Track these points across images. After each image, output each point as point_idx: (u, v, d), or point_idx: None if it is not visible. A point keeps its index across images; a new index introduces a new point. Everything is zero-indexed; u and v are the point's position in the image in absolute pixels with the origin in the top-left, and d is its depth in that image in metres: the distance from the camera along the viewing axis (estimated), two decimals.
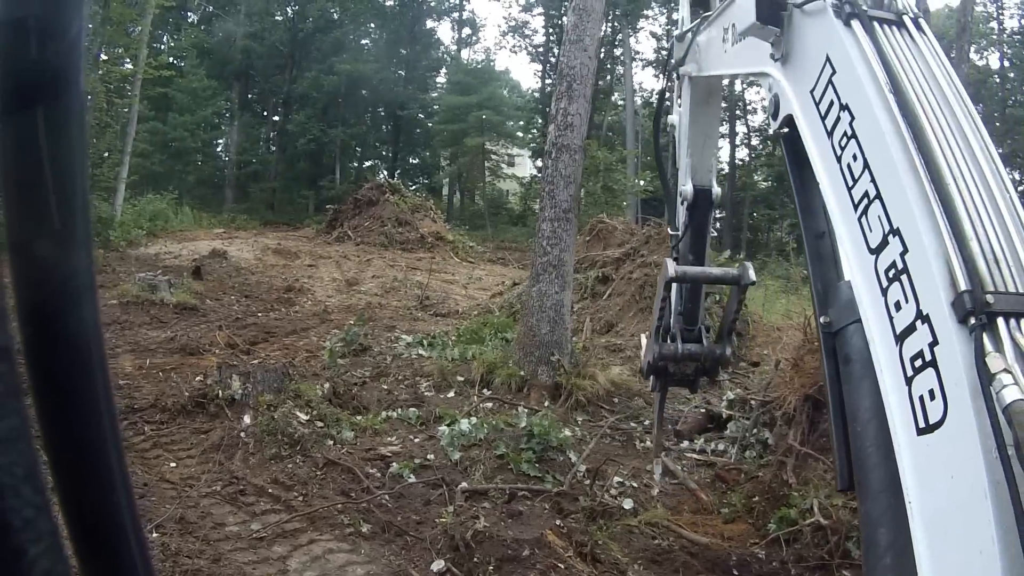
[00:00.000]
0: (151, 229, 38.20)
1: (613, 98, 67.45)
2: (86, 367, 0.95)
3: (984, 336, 2.32)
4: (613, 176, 44.96)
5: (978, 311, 2.35)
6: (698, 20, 5.64)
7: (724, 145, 66.09)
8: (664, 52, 64.39)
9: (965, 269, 2.44)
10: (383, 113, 72.55)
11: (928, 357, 2.50)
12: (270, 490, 9.39)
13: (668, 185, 7.23)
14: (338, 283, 28.15)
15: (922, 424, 2.49)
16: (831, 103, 3.20)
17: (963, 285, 2.41)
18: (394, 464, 10.34)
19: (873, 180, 2.88)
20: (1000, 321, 2.35)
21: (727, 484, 10.73)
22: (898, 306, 2.68)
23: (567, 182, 14.31)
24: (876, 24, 3.16)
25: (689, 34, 5.78)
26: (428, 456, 10.76)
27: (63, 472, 0.96)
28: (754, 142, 66.84)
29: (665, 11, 65.25)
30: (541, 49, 72.98)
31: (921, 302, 2.57)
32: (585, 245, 21.45)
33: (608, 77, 66.57)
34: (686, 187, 6.24)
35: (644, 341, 6.96)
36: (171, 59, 58.74)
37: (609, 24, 62.15)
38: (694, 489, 10.49)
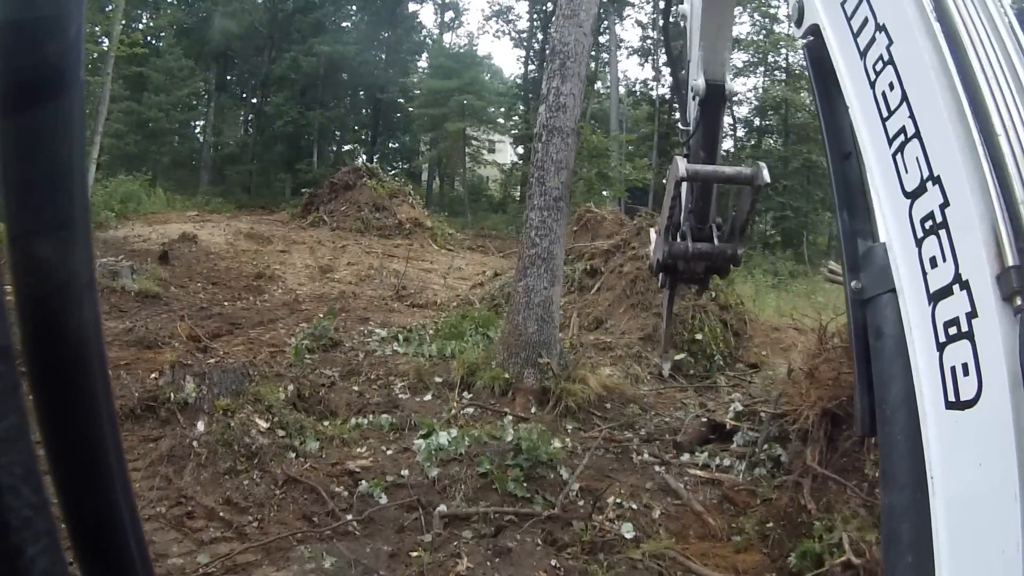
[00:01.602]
0: (122, 211, 37.22)
1: (596, 86, 66.68)
2: (85, 366, 0.97)
3: None
4: (607, 162, 44.01)
5: None
6: None
7: None
8: (650, 40, 64.51)
9: (1015, 240, 2.10)
10: (363, 96, 71.92)
11: (964, 328, 2.20)
12: (221, 513, 8.27)
13: (678, 79, 6.70)
14: (311, 270, 27.30)
15: (952, 398, 2.22)
16: (865, 20, 2.78)
17: (1011, 260, 2.08)
18: (363, 482, 9.20)
19: (912, 116, 2.51)
20: None
21: (736, 506, 9.69)
22: (934, 263, 2.37)
23: (558, 168, 13.27)
24: None
25: None
26: (402, 472, 9.61)
27: (62, 471, 0.97)
28: (739, 133, 66.37)
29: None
30: (525, 35, 72.48)
31: (961, 265, 2.24)
32: (572, 235, 20.43)
33: (593, 65, 65.82)
34: (698, 81, 5.74)
35: (653, 236, 6.52)
36: (148, 38, 58.24)
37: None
38: (700, 512, 9.37)
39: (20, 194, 0.93)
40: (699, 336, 16.06)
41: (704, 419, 12.25)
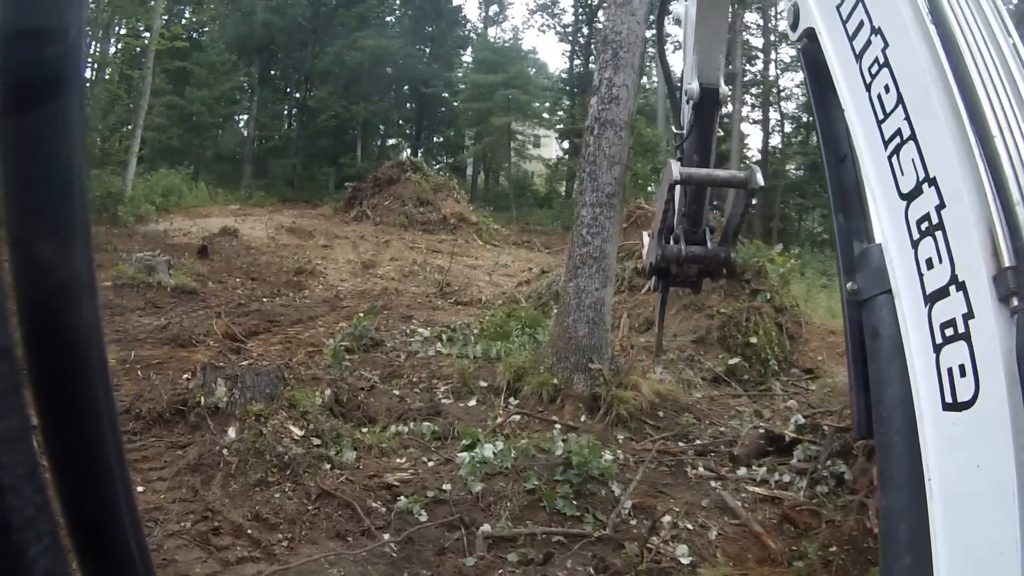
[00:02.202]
0: (163, 205, 37.42)
1: (643, 81, 66.18)
2: (86, 366, 0.97)
3: None
4: (656, 158, 43.39)
5: (1023, 293, 2.06)
6: None
7: (756, 132, 65.06)
8: None
9: (1011, 241, 2.12)
10: (407, 91, 71.48)
11: (961, 329, 2.22)
12: (249, 530, 7.69)
13: (672, 82, 7.07)
14: (353, 266, 26.90)
15: (949, 399, 2.24)
16: (860, 23, 2.85)
17: (1007, 261, 2.10)
18: (402, 497, 8.62)
19: (908, 118, 2.55)
20: None
21: (797, 527, 9.01)
22: (930, 264, 2.39)
23: (611, 163, 12.57)
24: None
25: None
26: (444, 487, 8.99)
27: (63, 471, 0.97)
28: (787, 129, 65.68)
29: None
30: (570, 29, 71.81)
31: (957, 267, 2.27)
32: (622, 233, 19.79)
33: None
34: (692, 85, 5.94)
35: (646, 240, 6.75)
36: (191, 33, 58.48)
37: None
38: (759, 533, 8.70)
39: (20, 194, 0.92)
40: (753, 340, 15.40)
41: (761, 430, 11.59)
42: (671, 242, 6.24)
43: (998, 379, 2.09)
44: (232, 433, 9.25)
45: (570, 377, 12.19)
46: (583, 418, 11.68)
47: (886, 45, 2.72)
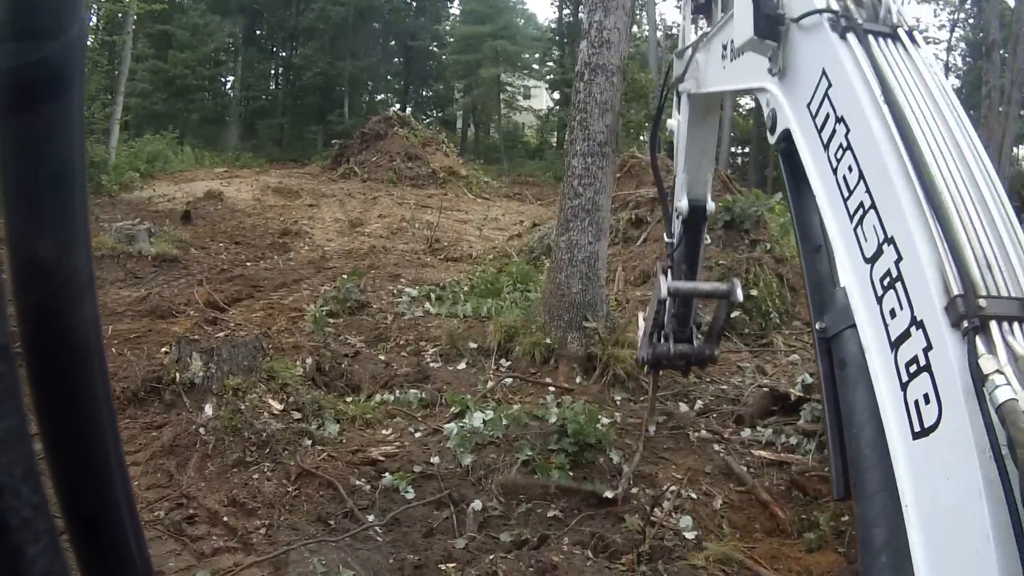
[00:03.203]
0: (148, 171, 37.05)
1: (633, 29, 65.69)
2: (84, 366, 0.97)
3: (977, 339, 2.38)
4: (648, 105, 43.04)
5: (971, 315, 2.42)
6: (697, 37, 5.82)
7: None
8: None
9: (958, 275, 2.51)
10: (394, 45, 71.23)
11: (923, 362, 2.56)
12: (225, 517, 7.25)
13: (664, 197, 7.62)
14: (340, 224, 26.55)
15: (917, 428, 2.54)
16: (827, 116, 3.28)
17: (956, 290, 2.48)
18: (388, 474, 8.15)
19: (868, 190, 2.98)
20: (993, 324, 2.40)
21: (807, 495, 8.54)
22: (893, 314, 2.75)
23: (603, 110, 12.02)
24: (871, 37, 3.23)
25: (689, 51, 5.97)
26: (432, 459, 8.52)
27: (61, 471, 0.97)
28: None
29: None
30: None
31: (915, 308, 2.64)
32: (616, 183, 19.36)
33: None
34: (681, 202, 6.63)
35: (640, 323, 7.91)
36: None
37: None
38: (767, 501, 8.26)
39: (19, 194, 0.92)
40: (754, 292, 14.93)
41: (766, 388, 11.15)
42: (661, 340, 7.37)
43: (957, 395, 2.36)
44: (208, 410, 8.84)
45: (564, 336, 11.77)
46: (578, 379, 11.26)
47: (848, 130, 3.12)
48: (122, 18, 41.70)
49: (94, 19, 45.74)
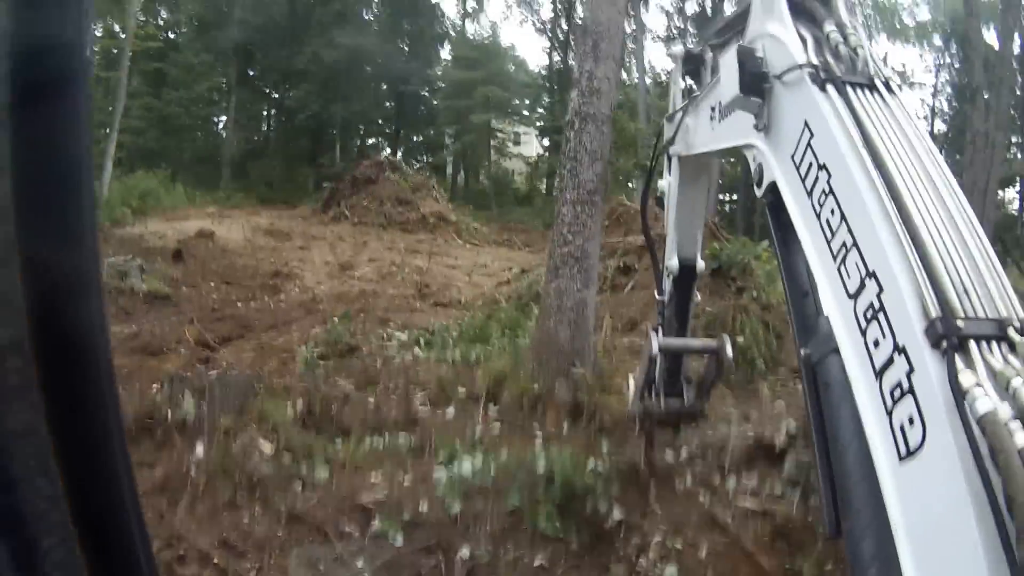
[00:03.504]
0: (140, 208, 36.92)
1: (623, 76, 66.10)
2: (91, 361, 1.03)
3: (956, 357, 2.46)
4: (635, 153, 43.14)
5: (950, 334, 2.50)
6: (687, 101, 5.95)
7: None
8: (676, 30, 64.19)
9: (936, 299, 2.61)
10: (386, 89, 71.45)
11: (906, 386, 2.63)
12: (216, 559, 7.36)
13: (655, 255, 7.78)
14: (330, 267, 26.68)
15: (903, 451, 2.60)
16: (810, 165, 3.43)
17: (934, 312, 2.58)
18: (377, 520, 8.23)
19: (850, 230, 3.10)
20: (971, 344, 2.49)
21: (791, 543, 8.62)
22: (876, 343, 2.83)
23: (593, 158, 12.15)
24: (849, 88, 3.39)
25: (678, 114, 6.08)
26: (421, 507, 8.57)
27: (69, 464, 0.98)
28: None
29: None
30: (549, 25, 71.75)
31: (897, 335, 2.72)
32: (604, 230, 19.52)
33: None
34: (672, 261, 6.76)
35: (631, 382, 7.80)
36: (167, 33, 58.37)
37: None
38: (751, 551, 8.39)
39: (28, 192, 0.93)
40: (740, 339, 15.04)
41: (750, 435, 11.24)
42: (652, 396, 7.33)
43: (939, 411, 2.44)
44: (199, 450, 8.86)
45: (552, 383, 11.74)
46: (566, 426, 11.21)
47: (830, 176, 3.26)
48: (117, 54, 41.89)
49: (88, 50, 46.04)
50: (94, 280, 1.04)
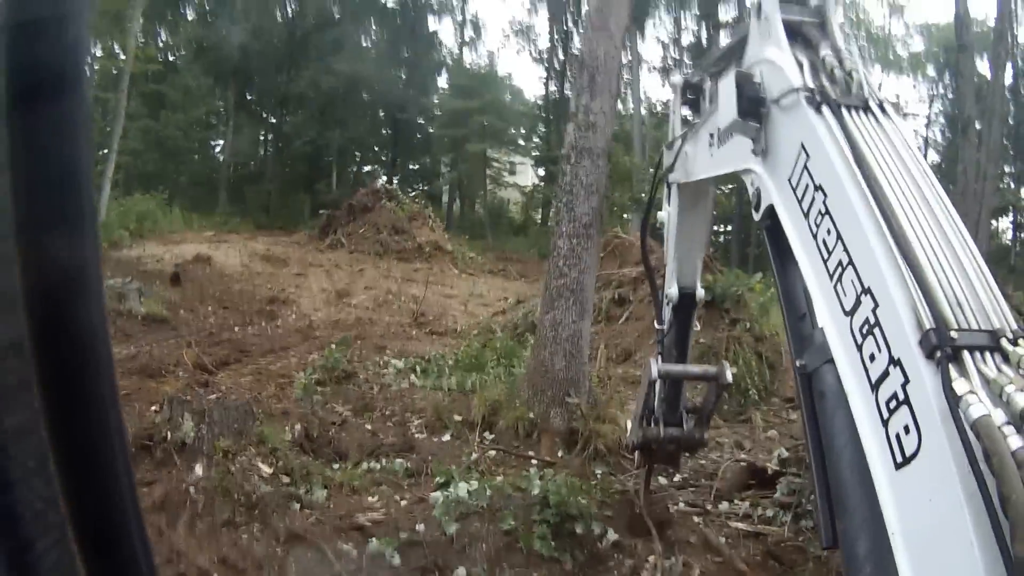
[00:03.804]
0: (137, 231, 36.75)
1: (618, 107, 66.11)
2: (92, 361, 1.04)
3: (950, 367, 2.54)
4: (632, 186, 43.13)
5: (943, 344, 2.59)
6: (686, 129, 6.13)
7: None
8: (671, 61, 64.34)
9: (930, 312, 2.69)
10: (382, 116, 71.04)
11: (901, 397, 2.71)
12: (215, 575, 7.39)
13: (655, 284, 7.97)
14: (327, 294, 26.66)
15: (899, 459, 2.68)
16: (807, 186, 3.54)
17: (928, 324, 2.66)
18: (374, 540, 8.27)
19: (846, 249, 3.21)
20: (965, 354, 2.58)
21: (783, 564, 8.78)
22: (872, 357, 2.92)
23: (588, 192, 12.28)
24: (844, 110, 3.52)
25: (678, 142, 6.23)
26: (417, 527, 8.63)
27: (68, 464, 0.99)
28: None
29: (672, 13, 64.66)
30: (546, 55, 71.74)
31: (893, 348, 2.81)
32: (599, 262, 19.67)
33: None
34: (671, 290, 6.93)
35: (630, 425, 7.93)
36: (167, 56, 58.37)
37: None
38: (744, 572, 8.48)
39: (29, 191, 0.94)
40: (733, 370, 15.15)
41: (743, 463, 11.36)
42: (651, 424, 7.34)
43: (934, 419, 2.52)
44: (199, 470, 8.87)
45: (547, 411, 11.88)
46: (560, 453, 11.37)
47: (826, 196, 3.37)
48: (117, 75, 41.87)
49: (87, 71, 45.87)
50: (94, 280, 1.05)
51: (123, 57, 40.61)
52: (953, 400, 2.45)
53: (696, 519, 9.68)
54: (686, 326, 7.25)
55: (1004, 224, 62.60)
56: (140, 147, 53.98)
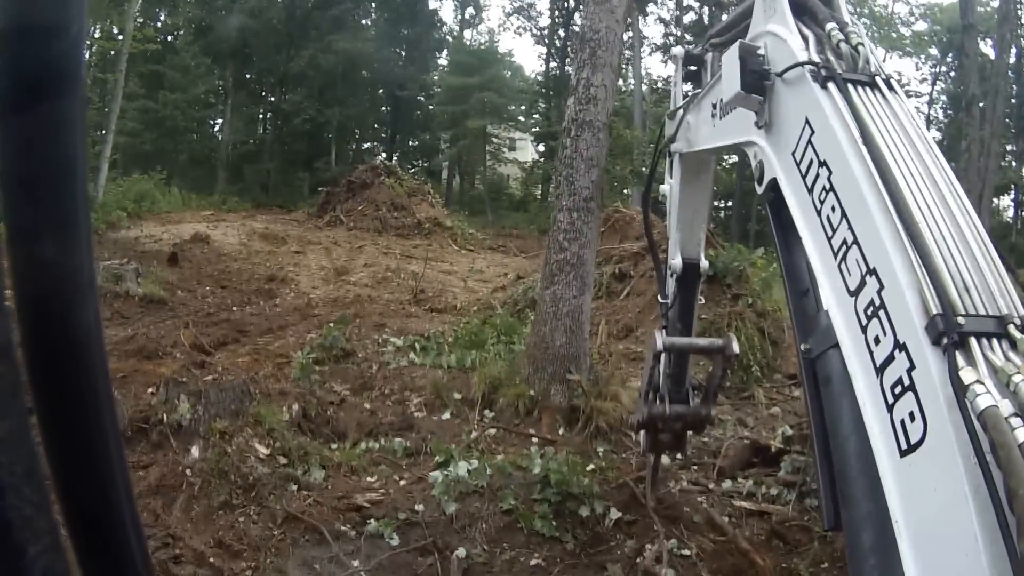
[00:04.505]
0: (136, 211, 36.44)
1: (619, 83, 65.82)
2: (86, 365, 0.98)
3: (957, 354, 2.46)
4: (632, 160, 42.99)
5: (950, 331, 2.50)
6: (688, 99, 5.97)
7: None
8: (672, 38, 64.01)
9: (936, 296, 2.60)
10: (382, 94, 70.84)
11: (907, 382, 2.63)
12: (211, 558, 7.31)
13: (657, 257, 7.84)
14: (326, 272, 26.43)
15: (904, 446, 2.60)
16: (811, 162, 3.45)
17: (935, 309, 2.57)
18: (372, 520, 8.20)
19: (850, 227, 3.11)
20: (972, 341, 2.49)
21: (787, 543, 8.65)
22: (877, 340, 2.83)
23: (589, 165, 12.18)
24: (850, 85, 3.39)
25: (680, 112, 6.12)
26: (416, 507, 8.57)
27: (62, 470, 0.98)
28: None
29: None
30: (547, 31, 71.51)
31: (898, 332, 2.72)
32: (600, 237, 19.52)
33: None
34: (675, 261, 6.75)
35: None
36: (165, 36, 58.13)
37: None
38: (747, 550, 8.33)
39: (21, 193, 0.93)
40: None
41: (747, 440, 11.23)
42: (657, 401, 7.08)
43: (940, 407, 2.45)
44: (195, 452, 8.88)
45: (547, 388, 11.80)
46: (561, 431, 11.29)
47: (830, 173, 3.27)
48: (114, 56, 41.71)
49: (86, 55, 45.67)
50: (88, 285, 1.00)
51: (121, 38, 40.26)
52: (960, 389, 2.38)
53: (699, 498, 9.57)
54: (690, 299, 7.02)
55: (1006, 202, 63.39)
56: (138, 127, 54.06)
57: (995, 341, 2.52)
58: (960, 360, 2.44)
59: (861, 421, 2.87)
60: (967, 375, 2.37)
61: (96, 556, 1.01)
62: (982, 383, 2.33)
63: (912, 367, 2.61)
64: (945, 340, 2.50)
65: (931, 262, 2.69)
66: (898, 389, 2.67)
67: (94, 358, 0.97)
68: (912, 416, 2.57)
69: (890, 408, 2.70)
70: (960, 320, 2.52)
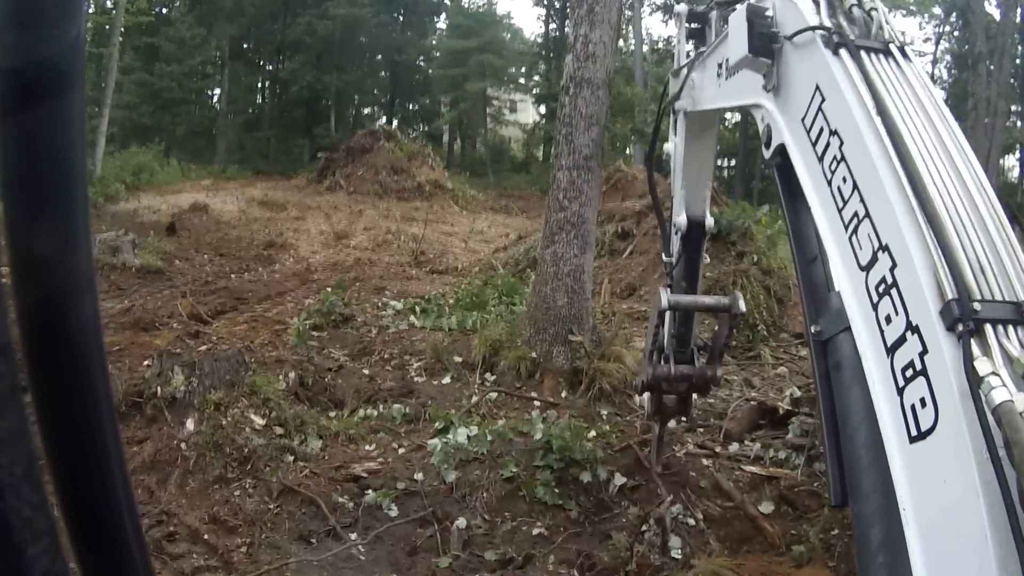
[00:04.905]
0: (135, 183, 36.55)
1: (620, 43, 65.50)
2: (85, 365, 0.96)
3: (972, 342, 2.39)
4: (634, 118, 42.76)
5: (965, 318, 2.43)
6: (693, 57, 5.84)
7: None
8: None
9: (952, 279, 2.52)
10: (380, 59, 70.87)
11: (919, 366, 2.57)
12: (206, 535, 7.14)
13: (662, 215, 7.56)
14: (325, 237, 26.43)
15: (914, 432, 2.55)
16: (821, 129, 3.34)
17: (950, 294, 2.50)
18: (371, 491, 8.05)
19: (862, 200, 3.02)
20: (988, 328, 2.41)
21: (796, 509, 8.48)
22: (888, 319, 2.77)
23: (588, 123, 11.91)
24: (863, 52, 3.27)
25: (684, 70, 5.98)
26: (415, 476, 8.41)
27: (61, 470, 0.97)
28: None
29: None
30: None
31: (911, 313, 2.65)
32: (602, 196, 19.35)
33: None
34: (680, 218, 6.54)
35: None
36: (160, 8, 57.89)
37: None
38: (755, 516, 8.20)
39: (20, 192, 0.90)
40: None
41: (754, 402, 11.04)
42: (661, 362, 6.93)
43: (953, 397, 2.37)
44: (190, 425, 8.66)
45: (549, 350, 11.64)
46: (564, 393, 11.12)
47: (842, 143, 3.16)
48: (109, 30, 41.53)
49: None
50: (88, 284, 0.95)
51: (114, 11, 40.05)
52: (974, 381, 2.30)
53: (705, 462, 9.39)
54: (695, 257, 6.80)
55: (1011, 162, 63.54)
56: (135, 100, 54.24)
57: (1011, 328, 2.44)
58: (975, 349, 2.37)
59: (872, 411, 2.81)
60: (982, 366, 2.30)
61: (95, 557, 0.99)
62: (997, 375, 2.26)
63: (924, 351, 2.55)
64: (960, 327, 2.43)
65: (946, 241, 2.61)
66: (909, 372, 2.61)
67: (93, 358, 0.95)
68: (923, 402, 2.52)
69: (900, 391, 2.65)
70: (976, 306, 2.44)
